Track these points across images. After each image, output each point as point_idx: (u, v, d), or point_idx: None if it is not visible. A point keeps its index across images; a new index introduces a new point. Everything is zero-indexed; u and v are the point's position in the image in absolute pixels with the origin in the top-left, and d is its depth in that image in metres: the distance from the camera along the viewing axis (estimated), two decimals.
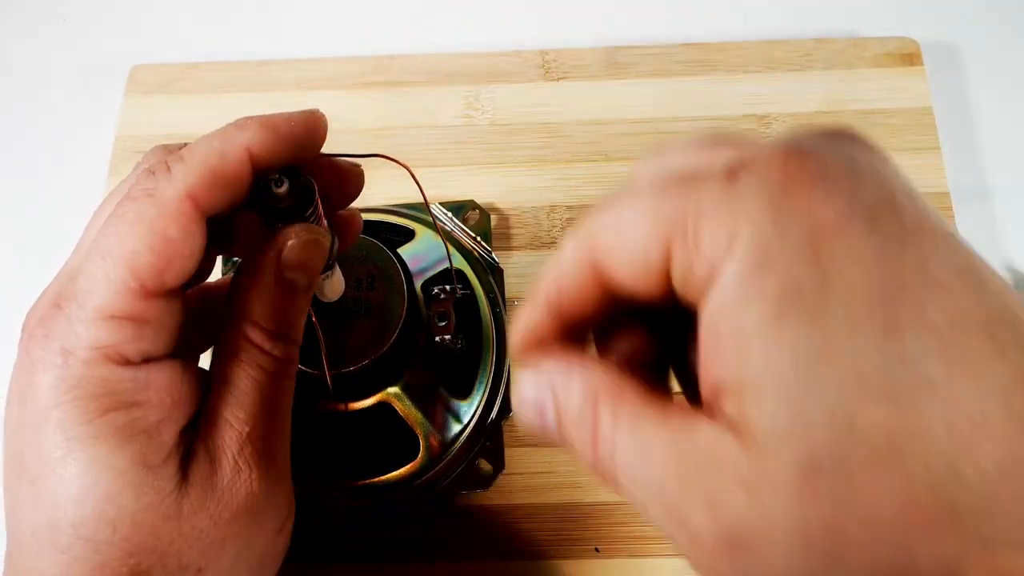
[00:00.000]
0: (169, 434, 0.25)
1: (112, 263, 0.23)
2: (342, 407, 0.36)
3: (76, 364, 0.23)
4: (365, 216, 0.42)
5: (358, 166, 0.30)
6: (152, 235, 0.23)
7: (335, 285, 0.32)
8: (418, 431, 0.37)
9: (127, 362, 0.24)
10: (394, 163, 0.30)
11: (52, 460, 0.23)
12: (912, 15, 0.53)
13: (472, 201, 0.44)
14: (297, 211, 0.27)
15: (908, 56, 0.49)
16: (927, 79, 0.48)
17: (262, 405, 0.26)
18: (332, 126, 0.48)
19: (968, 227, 0.46)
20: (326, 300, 0.32)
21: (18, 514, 0.24)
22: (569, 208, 0.46)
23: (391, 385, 0.37)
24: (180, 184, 0.24)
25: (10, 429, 0.24)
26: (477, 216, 0.44)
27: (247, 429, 0.26)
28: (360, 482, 0.37)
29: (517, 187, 0.46)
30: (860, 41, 0.50)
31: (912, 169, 0.47)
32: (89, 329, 0.23)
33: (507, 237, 0.45)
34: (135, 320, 0.24)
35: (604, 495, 0.39)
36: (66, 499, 0.23)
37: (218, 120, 0.48)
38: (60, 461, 0.23)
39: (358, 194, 0.30)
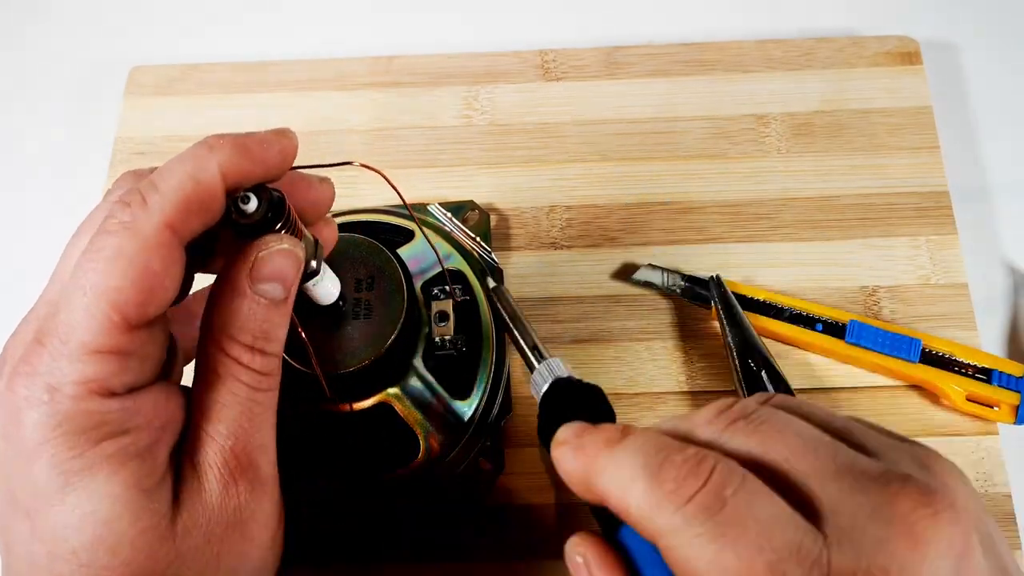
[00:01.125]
0: (161, 456, 0.25)
1: (93, 298, 0.23)
2: (346, 407, 0.36)
3: (63, 400, 0.23)
4: (365, 217, 0.43)
5: (327, 179, 0.30)
6: (133, 269, 0.23)
7: (327, 289, 0.32)
8: (418, 431, 0.37)
9: (113, 394, 0.24)
10: (392, 164, 0.30)
11: (48, 493, 0.23)
12: (911, 14, 0.53)
13: (471, 202, 0.44)
14: (267, 225, 0.27)
15: (907, 55, 0.49)
16: (926, 78, 0.48)
17: (244, 419, 0.26)
18: (331, 127, 0.48)
19: (968, 226, 0.46)
20: (321, 304, 0.32)
21: (14, 548, 0.24)
22: (568, 208, 0.46)
23: (391, 386, 0.37)
24: (157, 215, 0.24)
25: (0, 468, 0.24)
26: (476, 216, 0.44)
27: (229, 443, 0.26)
28: (360, 483, 0.37)
29: (516, 187, 0.46)
30: (859, 40, 0.49)
31: (911, 168, 0.47)
32: (73, 365, 0.23)
33: (506, 237, 0.45)
34: (119, 353, 0.24)
35: None
36: (65, 528, 0.23)
37: (217, 121, 0.49)
38: (57, 494, 0.23)
39: (330, 205, 0.30)
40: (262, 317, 0.27)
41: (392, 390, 0.37)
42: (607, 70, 0.49)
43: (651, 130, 0.47)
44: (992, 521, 0.22)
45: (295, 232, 0.27)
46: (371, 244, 0.35)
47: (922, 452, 0.23)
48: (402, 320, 0.34)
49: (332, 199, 0.30)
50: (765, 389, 0.39)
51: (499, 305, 0.36)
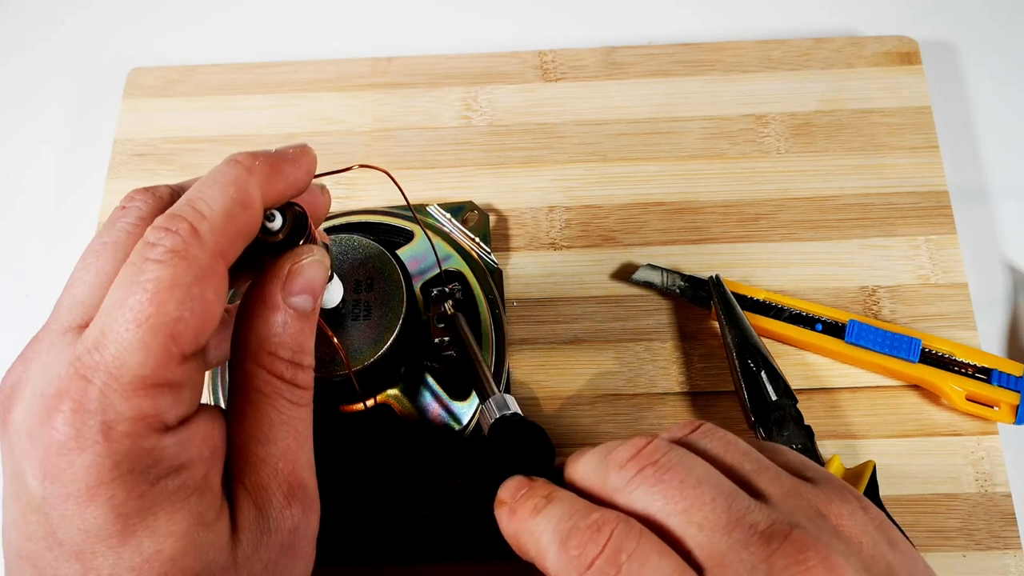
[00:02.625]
0: (217, 486, 0.25)
1: (150, 330, 0.22)
2: (363, 405, 0.36)
3: (119, 439, 0.22)
4: (364, 218, 0.43)
5: (326, 188, 0.30)
6: (192, 300, 0.23)
7: (332, 293, 0.32)
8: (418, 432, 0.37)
9: (167, 428, 0.23)
10: (391, 165, 0.30)
11: (105, 535, 0.22)
12: (910, 14, 0.53)
13: (471, 202, 0.44)
14: (292, 242, 0.27)
15: (907, 55, 0.49)
16: (926, 78, 0.48)
17: (290, 438, 0.26)
18: (330, 128, 0.48)
19: (967, 226, 0.46)
20: (324, 307, 0.32)
21: None
22: (568, 209, 0.46)
23: (391, 387, 0.37)
24: (211, 244, 0.24)
25: (30, 508, 0.23)
26: (476, 217, 0.44)
27: (280, 465, 0.26)
28: (359, 483, 0.37)
29: (515, 188, 0.46)
30: (858, 40, 0.49)
31: (911, 168, 0.47)
32: (129, 401, 0.22)
33: (505, 238, 0.45)
34: (173, 385, 0.23)
35: None
36: (128, 570, 0.23)
37: (216, 122, 0.49)
38: (117, 536, 0.22)
39: (327, 213, 0.31)
40: (297, 330, 0.26)
41: (392, 391, 0.37)
42: (606, 70, 0.49)
43: (650, 130, 0.47)
44: (903, 557, 0.24)
45: (313, 243, 0.28)
46: (371, 245, 0.35)
47: (822, 499, 0.25)
48: (401, 321, 0.34)
49: (329, 206, 0.31)
50: (765, 389, 0.39)
51: (461, 332, 0.37)
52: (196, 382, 0.24)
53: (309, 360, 0.27)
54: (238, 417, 0.26)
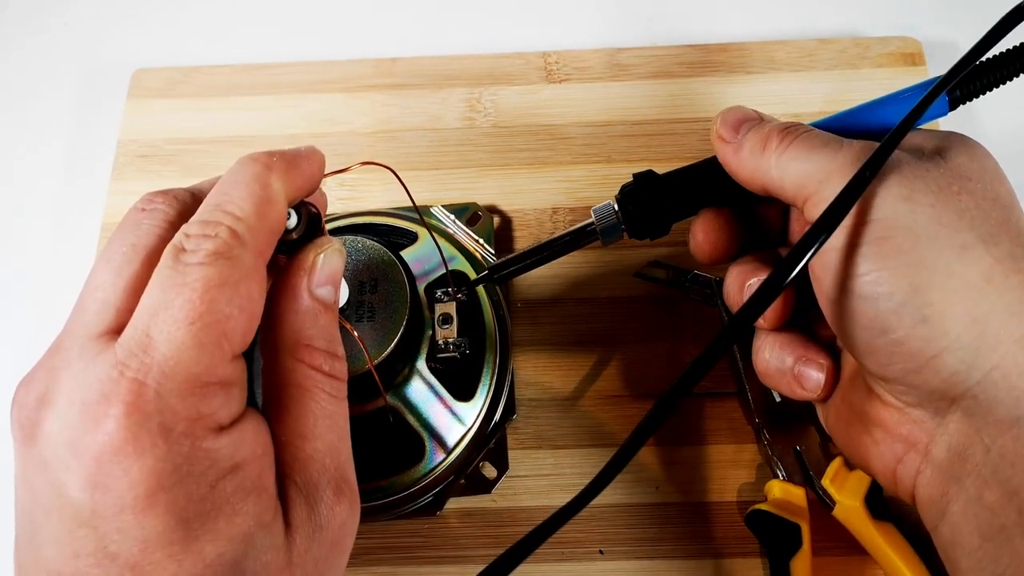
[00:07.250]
0: (271, 486, 0.24)
1: (203, 328, 0.22)
2: (383, 400, 0.36)
3: (179, 440, 0.22)
4: (368, 219, 0.43)
5: (321, 190, 0.31)
6: (240, 298, 0.23)
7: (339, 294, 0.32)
8: (422, 434, 0.37)
9: (221, 428, 0.23)
10: (395, 166, 0.30)
11: (165, 544, 0.22)
12: (914, 15, 0.53)
13: (474, 204, 0.44)
14: (306, 240, 0.27)
15: (910, 56, 0.49)
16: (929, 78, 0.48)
17: (333, 433, 0.26)
18: (334, 129, 0.48)
19: None
20: None
21: None
22: (571, 210, 0.46)
23: (393, 387, 0.37)
24: (251, 244, 0.24)
25: (76, 522, 0.22)
26: (479, 219, 0.44)
27: (328, 460, 0.26)
28: (364, 484, 0.37)
29: (519, 189, 0.46)
30: (862, 41, 0.49)
31: None
32: (185, 401, 0.22)
33: (509, 239, 0.45)
34: (225, 384, 0.23)
35: (608, 497, 0.39)
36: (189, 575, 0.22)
37: (220, 123, 0.49)
38: (179, 543, 0.22)
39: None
40: (326, 321, 0.27)
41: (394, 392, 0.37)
42: (610, 72, 0.49)
43: (654, 131, 0.47)
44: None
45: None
46: (374, 247, 0.36)
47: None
48: (405, 322, 0.34)
49: (326, 207, 0.32)
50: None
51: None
52: (243, 381, 0.24)
53: (342, 351, 0.27)
54: (280, 415, 0.26)
